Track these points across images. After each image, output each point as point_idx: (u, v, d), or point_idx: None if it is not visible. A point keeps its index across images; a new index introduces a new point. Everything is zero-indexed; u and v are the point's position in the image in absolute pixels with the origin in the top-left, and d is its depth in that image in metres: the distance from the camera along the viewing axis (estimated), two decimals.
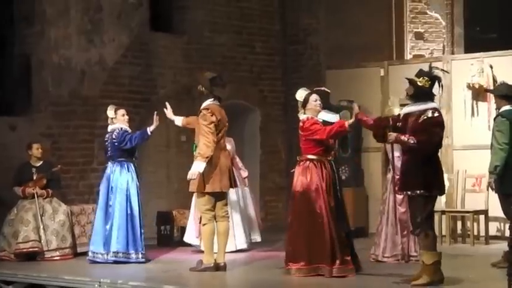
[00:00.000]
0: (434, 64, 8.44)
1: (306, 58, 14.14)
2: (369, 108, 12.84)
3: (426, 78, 7.92)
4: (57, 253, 10.15)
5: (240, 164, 11.00)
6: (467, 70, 11.82)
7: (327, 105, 9.71)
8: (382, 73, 12.73)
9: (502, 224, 11.10)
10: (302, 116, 8.68)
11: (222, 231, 8.97)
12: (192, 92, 12.71)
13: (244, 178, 10.95)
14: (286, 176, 13.98)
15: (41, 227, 10.07)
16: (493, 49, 11.91)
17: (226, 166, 8.95)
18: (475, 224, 11.28)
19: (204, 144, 8.70)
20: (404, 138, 7.79)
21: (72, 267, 9.60)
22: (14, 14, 11.66)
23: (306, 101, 8.69)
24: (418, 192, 7.73)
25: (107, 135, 10.03)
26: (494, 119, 8.85)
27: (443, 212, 11.28)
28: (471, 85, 11.77)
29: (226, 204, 9.07)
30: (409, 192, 7.82)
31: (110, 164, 9.95)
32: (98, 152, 11.86)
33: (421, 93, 7.91)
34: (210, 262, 8.88)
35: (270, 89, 14.20)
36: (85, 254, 10.27)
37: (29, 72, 11.51)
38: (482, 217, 11.15)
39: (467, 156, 11.76)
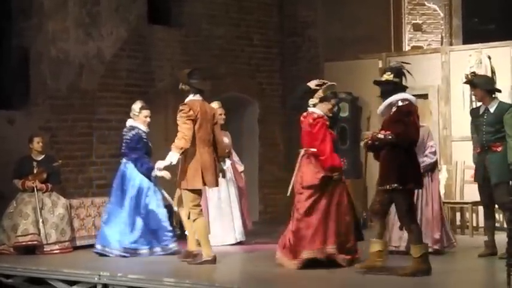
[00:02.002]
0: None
1: (304, 50, 14.14)
2: (367, 100, 12.88)
3: (388, 73, 8.05)
4: (57, 246, 10.15)
5: (236, 159, 10.99)
6: (465, 61, 11.83)
7: None
8: (380, 65, 12.73)
9: (500, 215, 11.09)
10: (314, 110, 8.64)
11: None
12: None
13: (240, 172, 10.92)
14: (285, 168, 14.00)
15: (40, 220, 10.07)
16: (491, 40, 11.92)
17: (209, 162, 8.92)
18: (474, 215, 11.30)
19: (179, 137, 8.80)
20: (381, 135, 7.85)
21: (71, 260, 9.59)
22: (11, 6, 11.63)
23: (326, 97, 8.64)
24: (393, 186, 7.79)
25: (125, 130, 10.00)
26: (507, 111, 8.88)
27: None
28: (469, 76, 11.76)
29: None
30: (387, 186, 7.86)
31: (124, 160, 9.98)
32: (96, 145, 11.86)
33: (388, 88, 8.02)
34: (209, 255, 8.89)
35: (268, 81, 14.20)
36: (84, 247, 10.30)
37: (26, 66, 11.49)
38: (481, 208, 11.13)
39: (465, 148, 11.71)
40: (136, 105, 10.01)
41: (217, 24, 13.48)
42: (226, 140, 10.76)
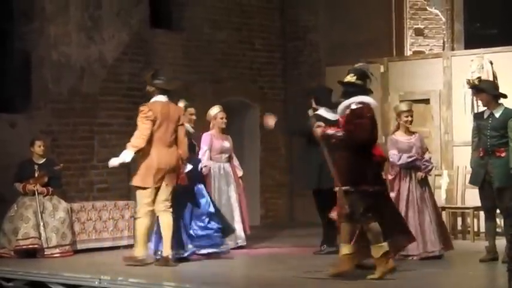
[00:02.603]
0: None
1: (306, 55, 14.14)
2: None
3: (352, 74, 8.09)
4: (57, 250, 10.14)
5: (237, 163, 10.95)
6: (467, 66, 11.82)
7: (328, 103, 9.72)
8: (382, 69, 12.72)
9: (502, 221, 11.08)
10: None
11: (165, 225, 9.10)
12: (191, 89, 12.73)
13: (239, 178, 10.89)
14: (286, 172, 14.00)
15: (41, 224, 10.06)
16: (493, 45, 11.91)
17: (166, 163, 9.01)
18: (475, 220, 11.28)
19: (136, 135, 8.99)
20: (330, 131, 7.90)
21: (72, 264, 9.58)
22: (13, 10, 11.64)
23: None
24: (345, 187, 7.81)
25: None
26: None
27: (443, 208, 11.28)
28: (471, 81, 11.76)
29: (167, 200, 9.12)
30: (336, 188, 7.91)
31: None
32: (97, 149, 11.87)
33: (349, 89, 8.04)
34: (142, 255, 9.03)
35: (270, 85, 14.20)
36: (85, 251, 10.30)
37: (28, 69, 11.50)
38: (482, 213, 11.11)
39: (467, 152, 11.63)
40: (181, 104, 9.84)
41: (219, 28, 13.49)
42: (227, 144, 10.76)
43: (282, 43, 14.35)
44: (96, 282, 8.37)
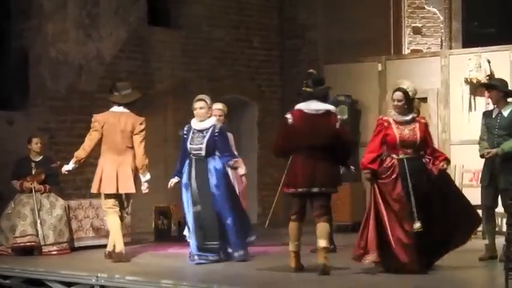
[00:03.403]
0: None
1: (304, 53, 14.14)
2: (366, 103, 12.87)
3: (304, 83, 8.40)
4: (55, 248, 10.14)
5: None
6: (465, 65, 11.82)
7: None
8: (379, 68, 12.72)
9: (499, 219, 11.08)
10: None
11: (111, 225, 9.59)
12: (189, 86, 12.73)
13: (241, 176, 10.84)
14: (284, 170, 13.97)
15: (38, 221, 10.06)
16: (491, 44, 11.91)
17: (114, 170, 9.36)
18: None
19: (80, 147, 9.54)
20: None
21: (69, 261, 9.58)
22: (11, 8, 11.63)
23: (392, 97, 8.64)
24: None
25: None
26: None
27: None
28: (469, 80, 11.76)
29: (121, 204, 9.58)
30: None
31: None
32: (95, 146, 11.84)
33: (304, 97, 8.34)
34: (121, 249, 9.35)
35: (268, 83, 14.20)
36: (82, 248, 10.30)
37: (26, 67, 11.50)
38: (479, 212, 11.11)
39: (464, 151, 11.74)
40: (194, 102, 9.40)
41: (217, 26, 13.49)
42: None
43: (280, 41, 14.35)
44: (93, 280, 8.38)
